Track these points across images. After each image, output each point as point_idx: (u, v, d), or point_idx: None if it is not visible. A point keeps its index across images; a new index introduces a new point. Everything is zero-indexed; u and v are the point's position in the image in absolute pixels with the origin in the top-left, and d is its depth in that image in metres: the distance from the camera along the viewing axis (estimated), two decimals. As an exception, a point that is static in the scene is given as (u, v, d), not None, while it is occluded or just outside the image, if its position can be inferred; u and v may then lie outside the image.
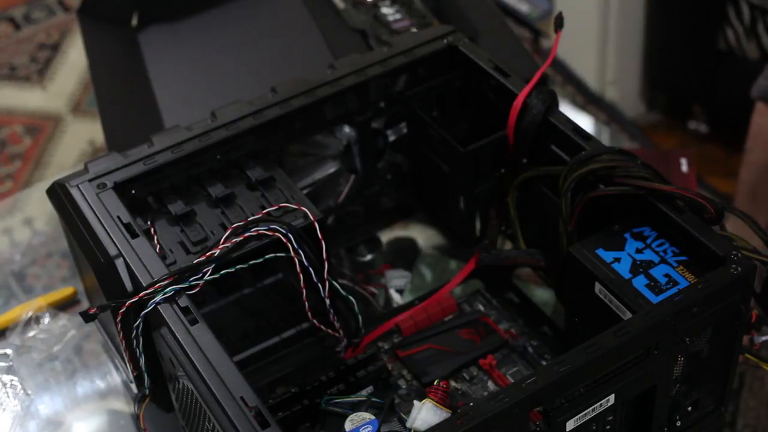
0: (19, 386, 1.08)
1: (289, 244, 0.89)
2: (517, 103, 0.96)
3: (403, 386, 0.96)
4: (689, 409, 0.89)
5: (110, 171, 0.95)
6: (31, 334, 1.14)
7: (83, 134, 2.09)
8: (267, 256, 0.89)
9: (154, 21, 1.46)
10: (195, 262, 0.87)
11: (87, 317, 0.86)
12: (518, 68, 1.03)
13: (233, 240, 0.89)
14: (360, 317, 0.95)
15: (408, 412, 0.85)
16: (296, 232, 0.89)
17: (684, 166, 1.41)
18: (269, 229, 0.89)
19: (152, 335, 0.85)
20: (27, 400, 1.07)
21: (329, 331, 0.95)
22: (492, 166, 1.03)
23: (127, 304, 0.84)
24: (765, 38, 2.05)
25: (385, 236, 1.18)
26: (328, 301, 0.92)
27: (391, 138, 1.11)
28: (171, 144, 0.97)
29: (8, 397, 1.08)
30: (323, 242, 0.91)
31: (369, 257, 1.15)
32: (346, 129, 1.07)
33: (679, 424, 0.89)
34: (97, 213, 0.91)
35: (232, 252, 0.88)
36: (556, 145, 0.96)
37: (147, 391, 0.90)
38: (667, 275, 0.85)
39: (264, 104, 1.00)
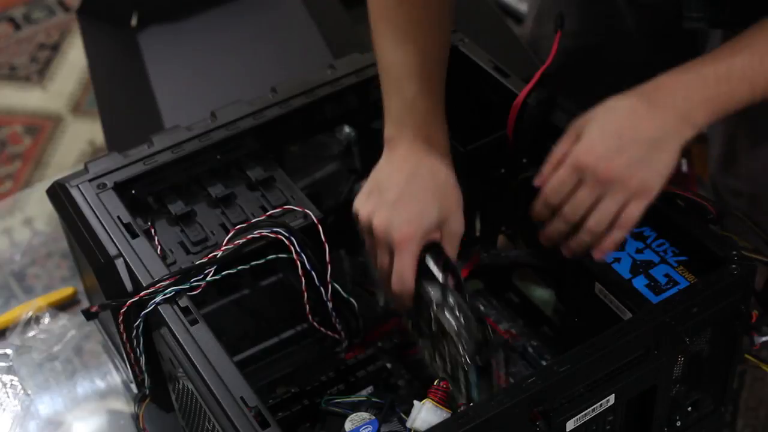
0: (19, 386, 1.08)
1: (292, 248, 0.89)
2: (517, 103, 0.96)
3: (403, 386, 0.96)
4: (689, 409, 0.89)
5: (110, 171, 0.95)
6: (31, 334, 1.14)
7: (83, 134, 2.08)
8: (268, 257, 0.89)
9: (154, 21, 1.46)
10: (197, 263, 0.87)
11: (89, 315, 0.86)
12: (518, 68, 1.03)
13: (236, 242, 0.89)
14: (361, 319, 0.95)
15: (408, 412, 0.85)
16: (299, 236, 0.89)
17: (684, 166, 1.41)
18: (272, 232, 0.89)
19: (152, 335, 0.85)
20: (27, 400, 1.07)
21: (329, 332, 0.95)
22: (492, 166, 1.03)
23: (128, 303, 0.84)
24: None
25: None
26: (330, 304, 0.92)
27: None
28: (171, 144, 0.97)
29: (8, 397, 1.08)
30: (326, 245, 0.91)
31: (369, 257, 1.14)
32: (346, 129, 1.07)
33: (679, 424, 0.89)
34: (97, 213, 0.91)
35: (235, 253, 0.88)
36: (556, 145, 0.96)
37: (147, 391, 0.90)
38: (667, 275, 0.85)
39: (264, 104, 1.00)
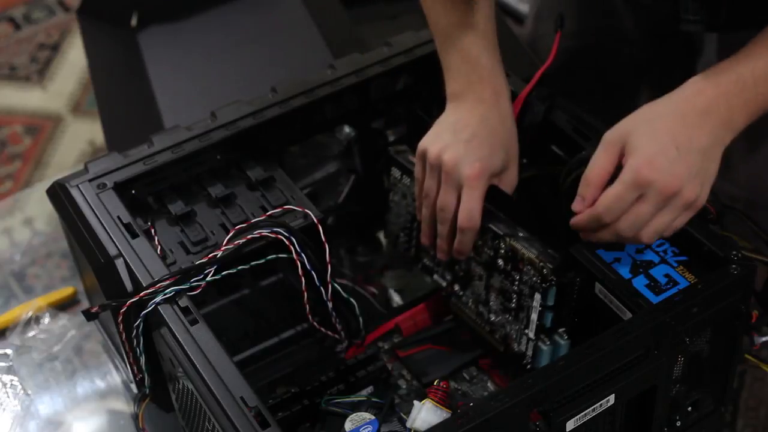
0: (19, 386, 1.08)
1: (292, 248, 0.89)
2: (517, 103, 0.96)
3: (403, 386, 0.96)
4: (689, 409, 0.89)
5: (110, 171, 0.95)
6: (31, 334, 1.14)
7: (83, 134, 2.09)
8: (268, 257, 0.89)
9: (154, 21, 1.46)
10: (197, 263, 0.87)
11: (89, 315, 0.86)
12: (518, 68, 1.03)
13: (236, 242, 0.89)
14: (361, 319, 0.95)
15: (408, 412, 0.85)
16: (299, 236, 0.89)
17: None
18: (272, 232, 0.89)
19: (152, 335, 0.85)
20: (27, 400, 1.07)
21: (329, 332, 0.95)
22: (492, 166, 1.02)
23: (128, 303, 0.84)
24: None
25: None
26: (330, 304, 0.92)
27: (391, 138, 1.11)
28: (171, 144, 0.96)
29: (8, 397, 1.08)
30: (326, 245, 0.91)
31: (369, 257, 1.14)
32: (346, 129, 1.07)
33: (679, 424, 0.89)
34: (97, 213, 0.91)
35: (235, 253, 0.88)
36: (556, 145, 0.96)
37: (147, 391, 0.90)
38: (667, 275, 0.85)
39: (264, 104, 1.00)
